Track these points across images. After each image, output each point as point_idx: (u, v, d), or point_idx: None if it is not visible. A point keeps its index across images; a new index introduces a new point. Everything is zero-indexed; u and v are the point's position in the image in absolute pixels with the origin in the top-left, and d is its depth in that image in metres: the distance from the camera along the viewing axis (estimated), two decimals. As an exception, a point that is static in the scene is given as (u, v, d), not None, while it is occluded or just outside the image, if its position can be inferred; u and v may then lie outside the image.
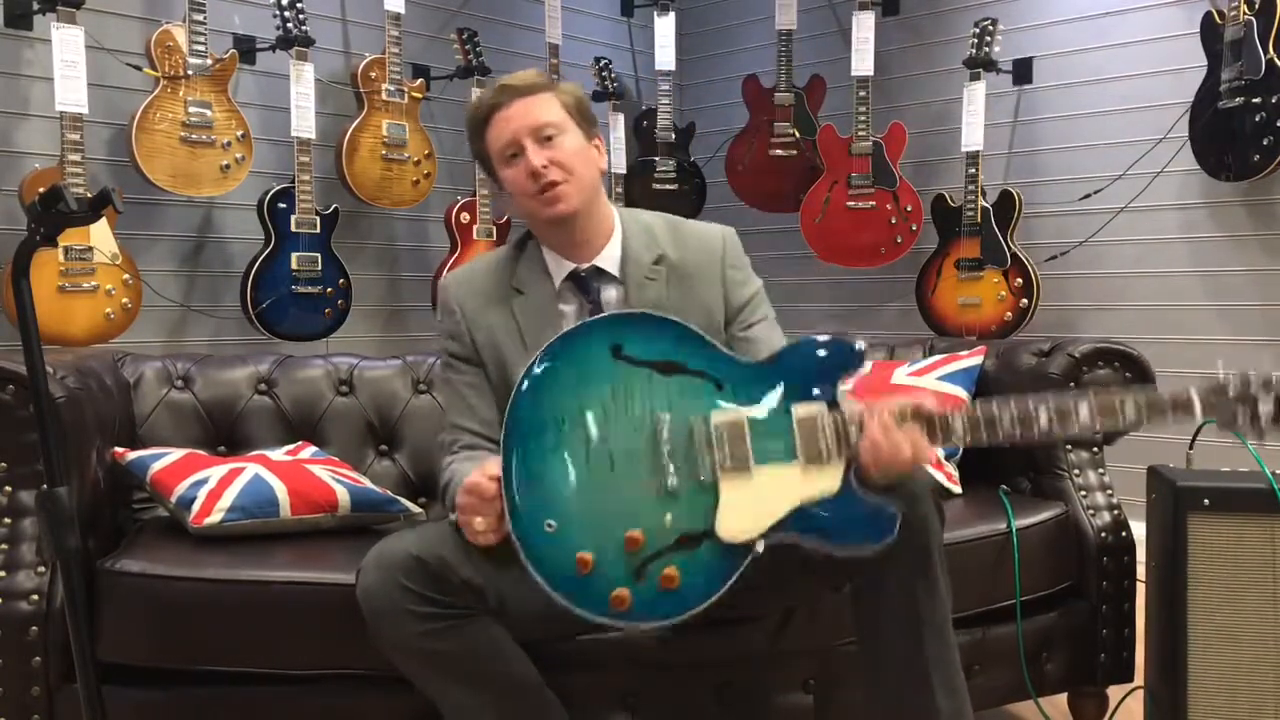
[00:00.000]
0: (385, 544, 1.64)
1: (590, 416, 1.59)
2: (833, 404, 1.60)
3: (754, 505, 1.56)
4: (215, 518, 1.97)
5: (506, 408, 1.61)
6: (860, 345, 1.64)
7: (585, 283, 1.83)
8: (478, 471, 1.59)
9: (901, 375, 2.54)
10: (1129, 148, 3.82)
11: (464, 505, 1.58)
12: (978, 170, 3.89)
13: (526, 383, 1.61)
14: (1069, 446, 2.32)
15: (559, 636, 1.75)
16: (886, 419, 1.56)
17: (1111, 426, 1.59)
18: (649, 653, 1.82)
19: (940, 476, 2.30)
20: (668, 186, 4.38)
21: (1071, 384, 2.29)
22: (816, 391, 1.60)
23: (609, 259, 1.84)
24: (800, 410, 1.59)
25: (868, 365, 2.60)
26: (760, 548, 1.55)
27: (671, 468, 1.57)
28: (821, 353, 1.64)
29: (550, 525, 1.54)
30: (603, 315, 1.68)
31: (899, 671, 1.64)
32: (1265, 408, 1.59)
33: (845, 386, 1.64)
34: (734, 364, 1.65)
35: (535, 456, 1.57)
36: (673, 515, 1.56)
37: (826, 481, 1.57)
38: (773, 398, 1.61)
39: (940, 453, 2.34)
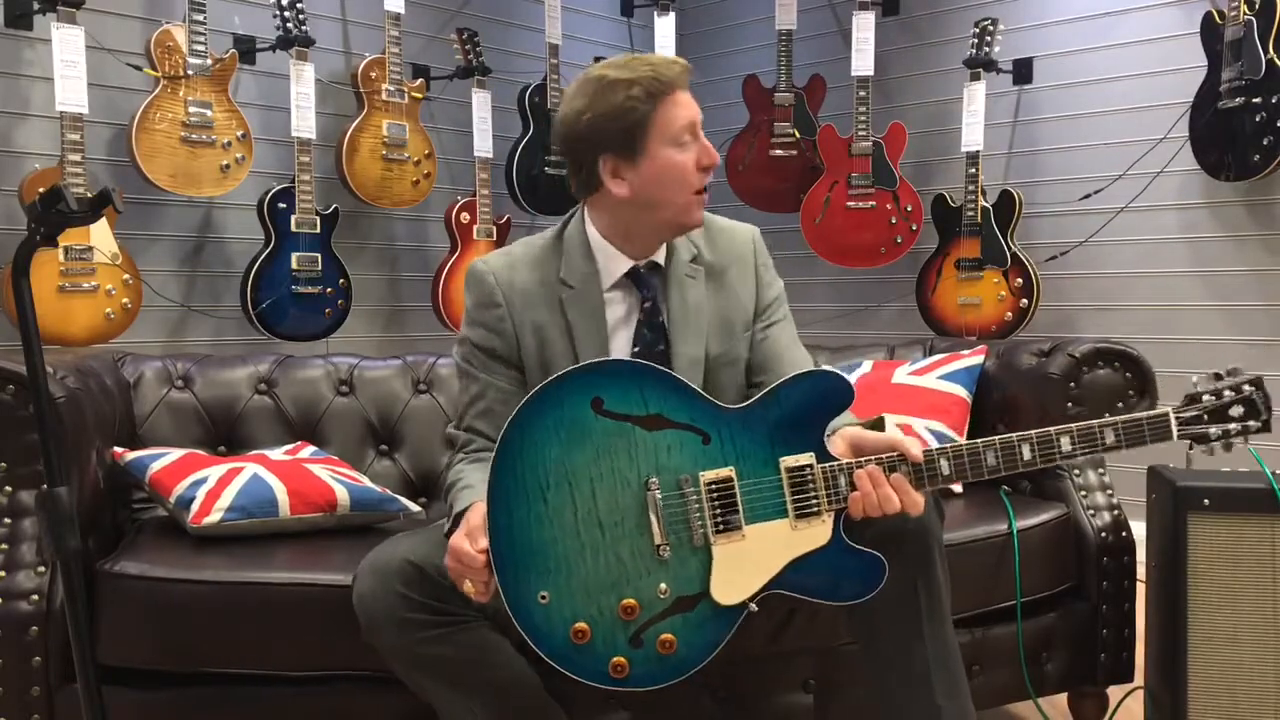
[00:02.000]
0: (380, 550, 1.63)
1: (576, 480, 1.54)
2: (820, 452, 1.58)
3: (747, 565, 1.55)
4: (214, 517, 1.97)
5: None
6: (849, 384, 1.61)
7: (644, 279, 1.77)
8: (464, 535, 1.53)
9: (901, 375, 2.53)
10: (1129, 148, 3.82)
11: (452, 569, 1.54)
12: (978, 170, 3.89)
13: (506, 445, 1.53)
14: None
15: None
16: (875, 472, 1.54)
17: (1093, 452, 1.63)
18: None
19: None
20: (668, 186, 4.37)
21: (1072, 384, 2.29)
22: (802, 441, 1.58)
23: (661, 255, 1.80)
24: (788, 463, 1.57)
25: (867, 364, 2.60)
26: (754, 606, 1.55)
27: (664, 533, 1.54)
28: (807, 397, 1.60)
29: (544, 597, 1.51)
30: (576, 367, 1.60)
31: (899, 671, 1.64)
32: (1235, 416, 1.69)
33: (830, 433, 1.61)
34: (718, 413, 1.60)
35: (522, 525, 1.52)
36: (666, 581, 1.54)
37: (816, 535, 1.56)
38: (760, 451, 1.58)
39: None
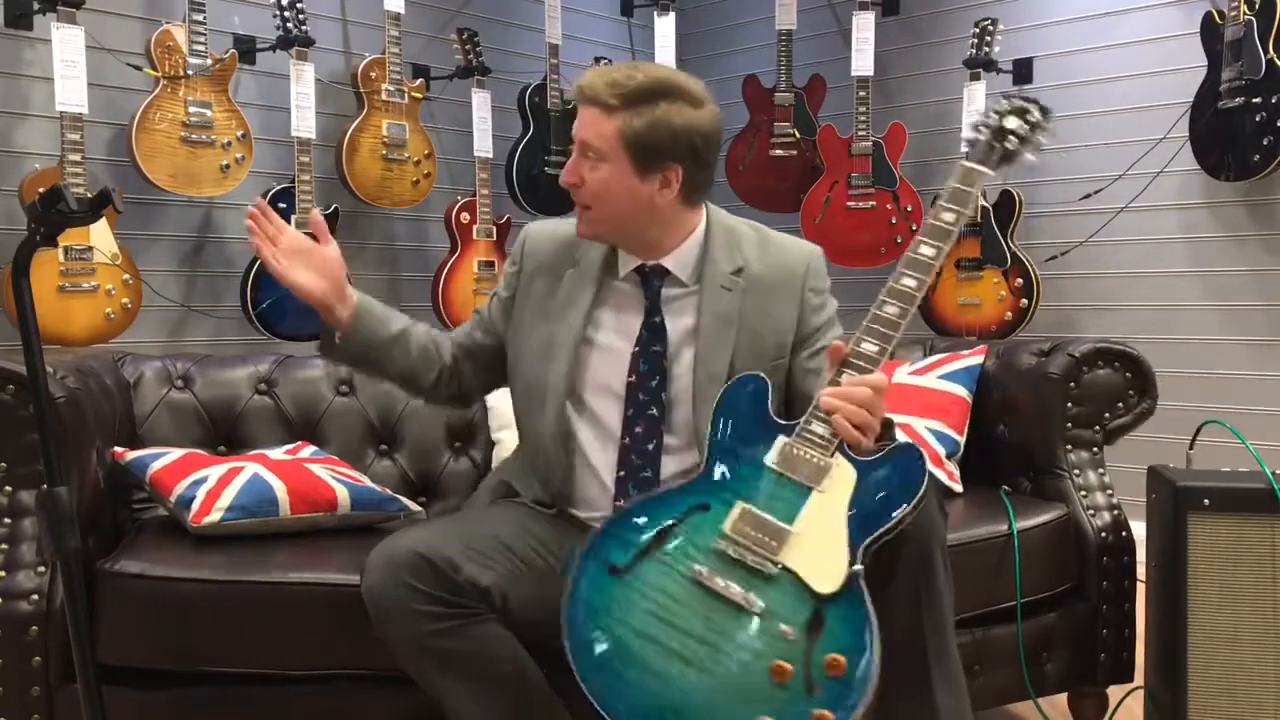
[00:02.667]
0: (391, 541, 1.63)
1: (650, 631, 1.52)
2: (783, 429, 1.62)
3: (824, 548, 1.54)
4: (214, 516, 1.97)
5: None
6: (755, 374, 1.69)
7: (647, 279, 1.82)
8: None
9: (902, 375, 2.53)
10: (1129, 148, 3.82)
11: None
12: (978, 170, 3.88)
13: (571, 650, 1.53)
14: (1069, 446, 2.32)
15: (559, 637, 1.75)
16: (828, 397, 1.58)
17: (944, 238, 1.70)
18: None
19: (941, 475, 2.30)
20: (668, 186, 4.37)
21: (1072, 384, 2.29)
22: (761, 435, 1.63)
23: (677, 261, 1.81)
24: (771, 457, 1.60)
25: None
26: (858, 567, 1.53)
27: (742, 593, 1.52)
28: (737, 405, 1.67)
29: None
30: (578, 558, 1.59)
31: (899, 668, 1.63)
32: (1013, 125, 1.76)
33: (773, 409, 1.67)
34: (695, 486, 1.63)
35: (643, 698, 1.49)
36: (784, 622, 1.51)
37: (844, 479, 1.58)
38: (745, 470, 1.61)
39: (941, 451, 2.34)
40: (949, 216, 1.71)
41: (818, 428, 1.59)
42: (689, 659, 1.50)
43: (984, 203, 3.90)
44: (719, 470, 1.64)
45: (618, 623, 1.53)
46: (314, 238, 1.83)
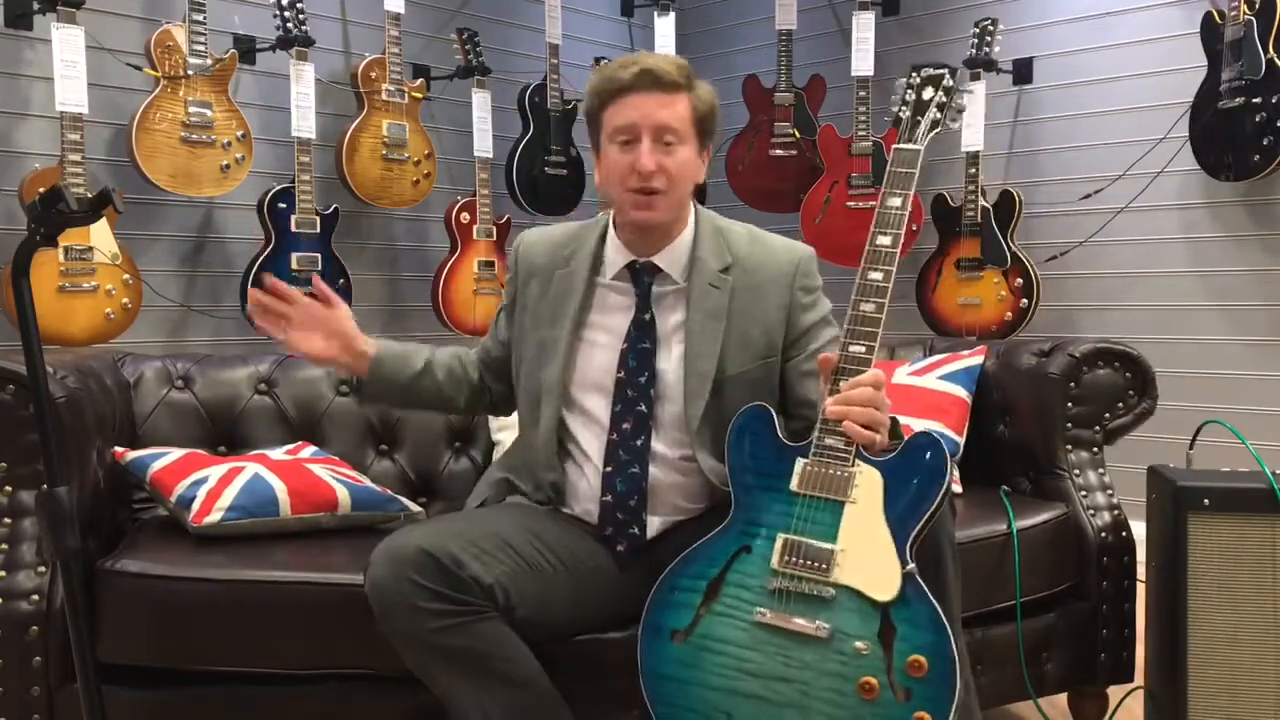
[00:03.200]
0: (395, 538, 1.64)
1: (733, 685, 1.57)
2: (799, 451, 1.64)
3: (872, 556, 1.56)
4: (215, 517, 1.97)
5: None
6: (758, 405, 1.70)
7: (638, 276, 1.83)
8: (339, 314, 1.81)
9: (902, 375, 2.53)
10: (1129, 148, 3.82)
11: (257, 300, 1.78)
12: (978, 170, 3.89)
13: None
14: (1069, 447, 2.32)
15: (564, 637, 1.75)
16: (833, 405, 1.59)
17: (893, 225, 1.74)
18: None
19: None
20: (668, 186, 4.37)
21: (1072, 384, 2.29)
22: (777, 463, 1.64)
23: (669, 258, 1.82)
24: (794, 482, 1.62)
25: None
26: (910, 566, 1.55)
27: (808, 623, 1.55)
28: (747, 435, 1.69)
29: None
30: (639, 633, 1.65)
31: None
32: (929, 95, 1.85)
33: (782, 435, 1.68)
34: (730, 532, 1.64)
35: None
36: (856, 639, 1.53)
37: (872, 483, 1.59)
38: (774, 502, 1.63)
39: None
40: (895, 201, 1.75)
41: (831, 440, 1.60)
42: (778, 701, 1.54)
43: (984, 203, 3.90)
44: (748, 508, 1.65)
45: (697, 686, 1.58)
46: (315, 298, 1.83)
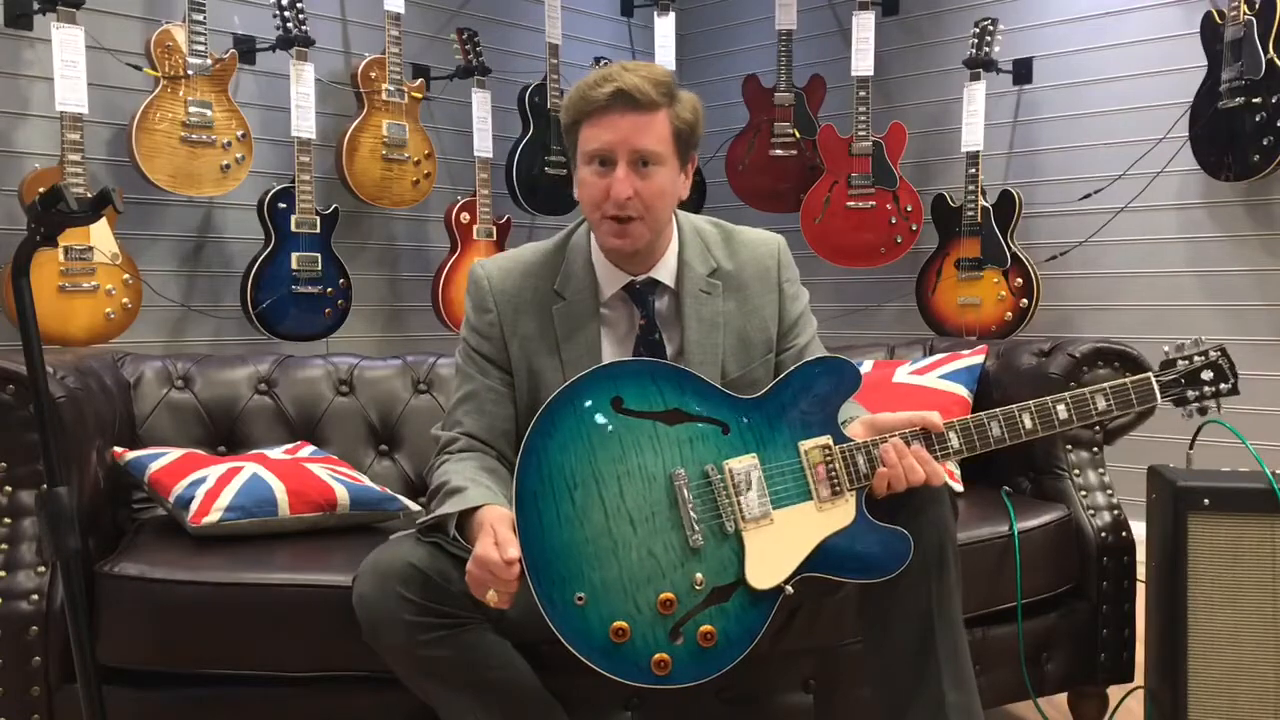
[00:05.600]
0: (382, 552, 1.63)
1: (603, 479, 1.56)
2: (836, 435, 1.63)
3: (779, 549, 1.57)
4: (214, 517, 1.97)
5: (515, 464, 1.57)
6: (857, 365, 1.67)
7: (640, 295, 1.77)
8: (488, 543, 1.49)
9: (902, 375, 2.53)
10: (1129, 148, 3.82)
11: (476, 577, 1.50)
12: (978, 170, 3.89)
13: (530, 448, 1.55)
14: (1069, 446, 2.32)
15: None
16: (899, 444, 1.60)
17: (1087, 420, 1.74)
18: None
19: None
20: (668, 186, 4.37)
21: (1072, 383, 2.29)
22: (819, 424, 1.63)
23: (665, 270, 1.78)
24: (808, 446, 1.61)
25: (868, 363, 2.60)
26: (789, 589, 1.56)
27: (695, 524, 1.55)
28: (818, 381, 1.65)
29: (580, 598, 1.51)
30: (593, 369, 1.62)
31: (909, 666, 1.64)
32: (1207, 378, 1.83)
33: (844, 417, 1.66)
34: (734, 404, 1.64)
35: (551, 528, 1.53)
36: (702, 572, 1.55)
37: (842, 514, 1.60)
38: (779, 436, 1.62)
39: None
40: (1102, 404, 1.75)
41: (860, 459, 1.61)
42: (612, 527, 1.54)
43: (984, 203, 3.91)
44: (767, 416, 1.64)
45: (589, 450, 1.56)
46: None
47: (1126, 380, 1.76)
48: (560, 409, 1.58)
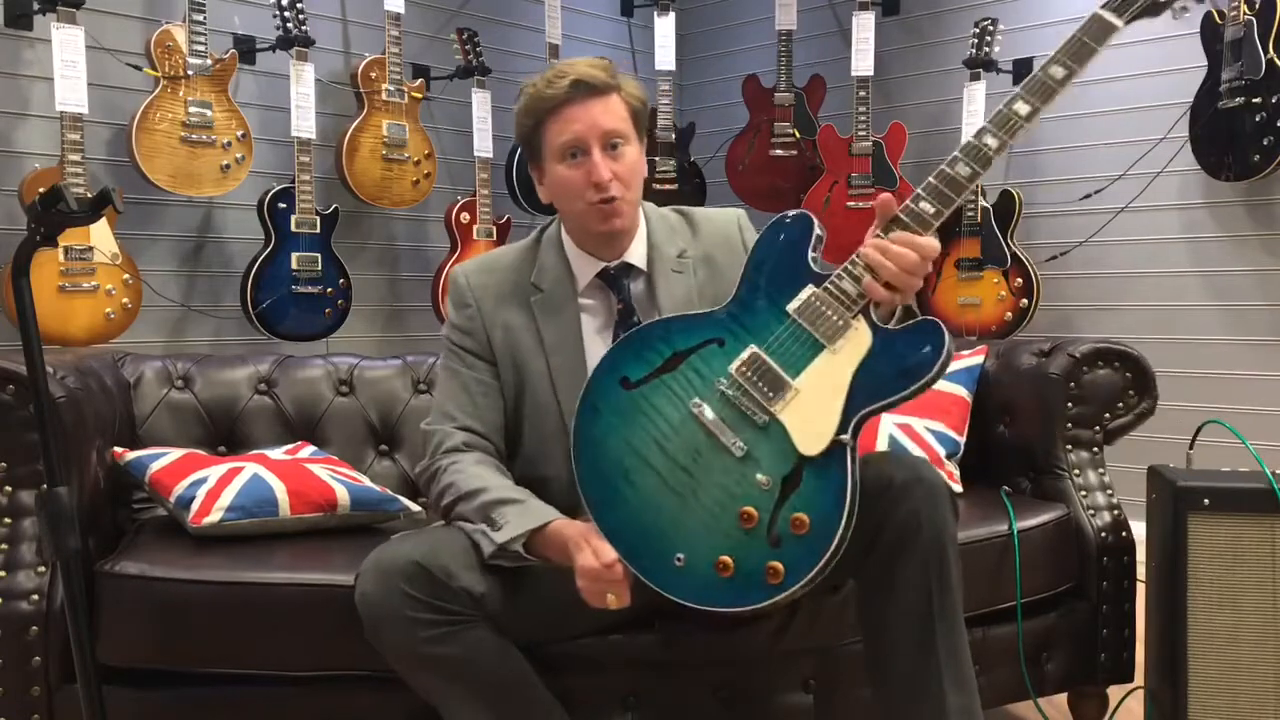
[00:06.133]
0: (384, 549, 1.63)
1: (646, 451, 1.60)
2: (815, 279, 1.62)
3: (818, 409, 1.55)
4: (214, 517, 1.97)
5: (571, 465, 1.64)
6: (794, 212, 1.68)
7: (615, 280, 1.81)
8: (586, 555, 1.55)
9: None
10: (1129, 148, 3.82)
11: (588, 590, 1.56)
12: (978, 170, 3.89)
13: (579, 461, 1.63)
14: (1069, 447, 2.32)
15: (560, 639, 1.75)
16: (875, 241, 1.57)
17: (1049, 95, 1.62)
18: (649, 653, 1.82)
19: (941, 475, 2.29)
20: (668, 186, 4.38)
21: (1072, 384, 2.29)
22: (792, 281, 1.63)
23: (637, 254, 1.82)
24: (793, 305, 1.61)
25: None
26: (847, 437, 1.53)
27: (731, 435, 1.57)
28: (774, 244, 1.68)
29: (680, 559, 1.55)
30: (596, 368, 1.68)
31: (909, 666, 1.63)
32: None
33: (814, 255, 1.66)
34: (717, 317, 1.66)
35: (628, 516, 1.58)
36: (762, 471, 1.55)
37: (859, 343, 1.57)
38: (765, 316, 1.63)
39: (941, 451, 2.34)
40: (1059, 72, 1.61)
41: (848, 284, 1.58)
42: (672, 485, 1.58)
43: (984, 203, 3.90)
44: (742, 307, 1.65)
45: (619, 436, 1.62)
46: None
47: (1076, 34, 1.58)
48: (585, 423, 1.65)
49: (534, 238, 1.88)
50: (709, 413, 1.59)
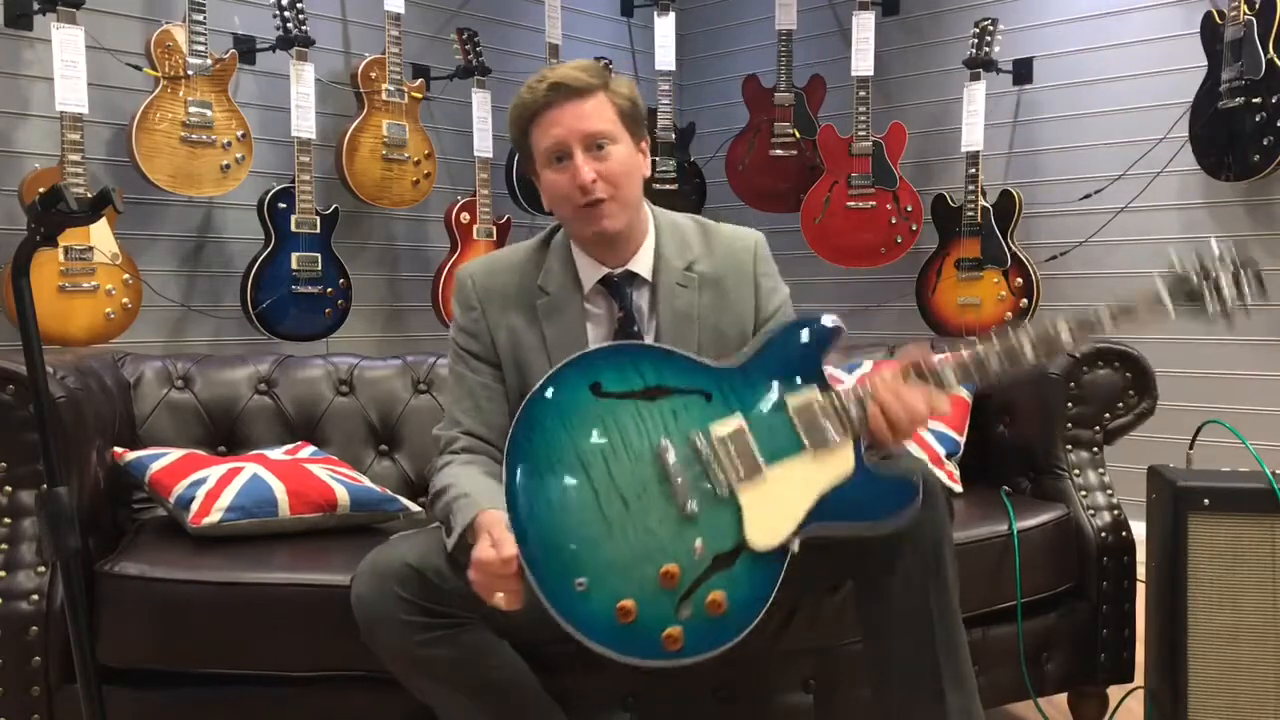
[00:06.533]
0: (379, 552, 1.63)
1: (590, 462, 1.53)
2: (822, 385, 1.59)
3: (777, 506, 1.54)
4: (214, 517, 1.97)
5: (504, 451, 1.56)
6: (830, 320, 1.64)
7: (618, 288, 1.77)
8: (484, 545, 1.49)
9: (901, 375, 2.53)
10: (1129, 148, 3.82)
11: (479, 582, 1.50)
12: (978, 170, 3.89)
13: (515, 445, 1.54)
14: (1069, 446, 2.32)
15: (558, 639, 1.75)
16: (892, 382, 1.56)
17: (1090, 333, 1.62)
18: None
19: (941, 475, 2.29)
20: (668, 186, 4.38)
21: (1072, 384, 2.29)
22: (802, 377, 1.60)
23: (642, 263, 1.78)
24: (794, 400, 1.58)
25: (868, 364, 2.60)
26: (795, 546, 1.53)
27: (686, 492, 1.53)
28: (797, 338, 1.64)
29: (581, 584, 1.48)
30: (570, 358, 1.61)
31: (909, 666, 1.64)
32: (1226, 281, 1.64)
33: (830, 368, 1.64)
34: (715, 372, 1.62)
35: (545, 518, 1.51)
36: (701, 539, 1.52)
37: (840, 464, 1.56)
38: (763, 394, 1.59)
39: (941, 451, 2.34)
40: (1107, 318, 1.64)
41: (853, 408, 1.57)
42: (604, 509, 1.52)
43: (984, 203, 3.90)
44: (748, 376, 1.61)
45: (572, 438, 1.54)
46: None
47: (1134, 293, 1.62)
48: (539, 403, 1.57)
49: (542, 238, 1.85)
50: (673, 458, 1.54)
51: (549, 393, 1.58)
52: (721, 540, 1.52)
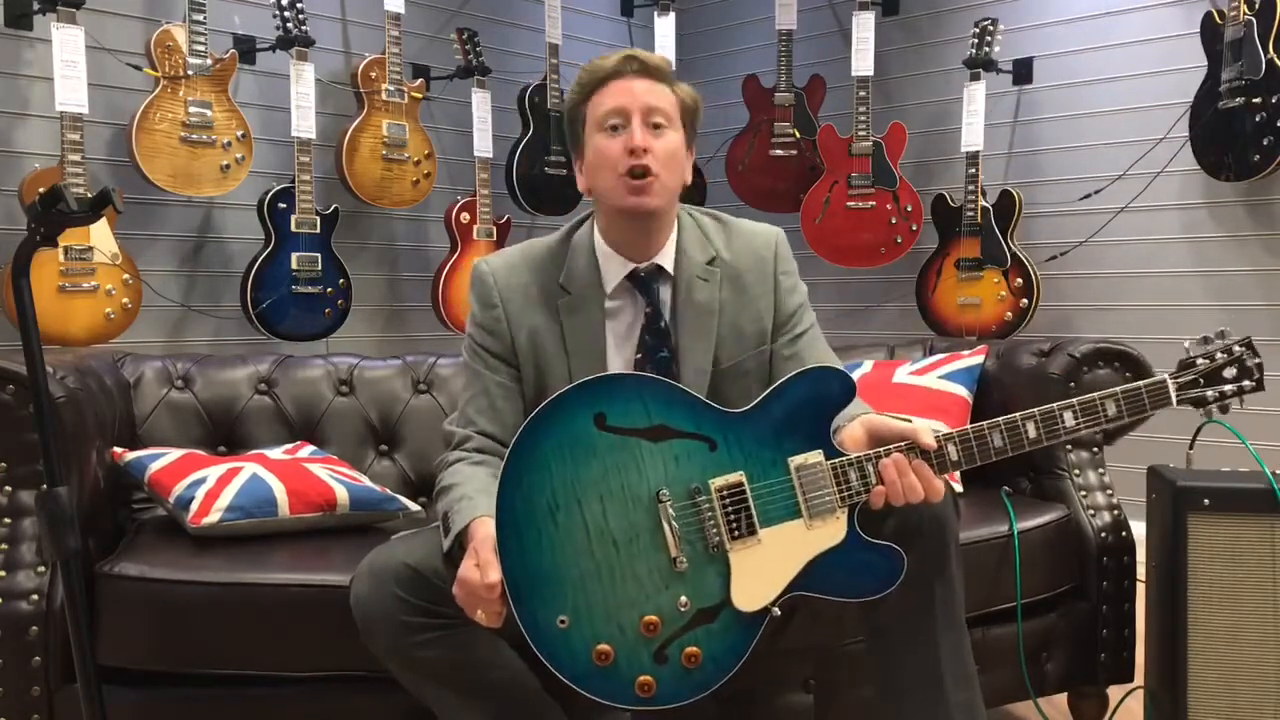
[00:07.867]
0: (378, 553, 1.63)
1: (586, 499, 1.52)
2: (828, 448, 1.57)
3: (765, 570, 1.54)
4: (213, 517, 1.97)
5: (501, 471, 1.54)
6: (853, 367, 1.62)
7: (645, 283, 1.76)
8: (470, 565, 1.49)
9: (902, 375, 2.53)
10: (1129, 148, 3.82)
11: (461, 598, 1.50)
12: (978, 170, 3.89)
13: (511, 469, 1.52)
14: (1069, 446, 2.32)
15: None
16: (901, 460, 1.54)
17: (1096, 426, 1.62)
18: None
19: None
20: (668, 186, 4.37)
21: (1071, 384, 2.29)
22: (808, 439, 1.57)
23: (667, 257, 1.77)
24: (797, 462, 1.56)
25: (868, 364, 2.60)
26: (776, 611, 1.54)
27: (678, 545, 1.52)
28: (808, 394, 1.59)
29: (563, 621, 1.49)
30: (575, 384, 1.59)
31: (913, 663, 1.63)
32: (1229, 378, 1.69)
33: (844, 418, 1.61)
34: (722, 418, 1.59)
35: (534, 549, 1.50)
36: (686, 594, 1.52)
37: (832, 533, 1.55)
38: (768, 452, 1.57)
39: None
40: (1113, 410, 1.61)
41: (853, 475, 1.55)
42: (594, 550, 1.52)
43: (984, 203, 3.90)
44: (757, 431, 1.58)
45: (573, 469, 1.53)
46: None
47: (1141, 385, 1.62)
48: (541, 428, 1.54)
49: (564, 235, 1.83)
50: (670, 508, 1.53)
51: (553, 418, 1.55)
52: (706, 597, 1.53)
